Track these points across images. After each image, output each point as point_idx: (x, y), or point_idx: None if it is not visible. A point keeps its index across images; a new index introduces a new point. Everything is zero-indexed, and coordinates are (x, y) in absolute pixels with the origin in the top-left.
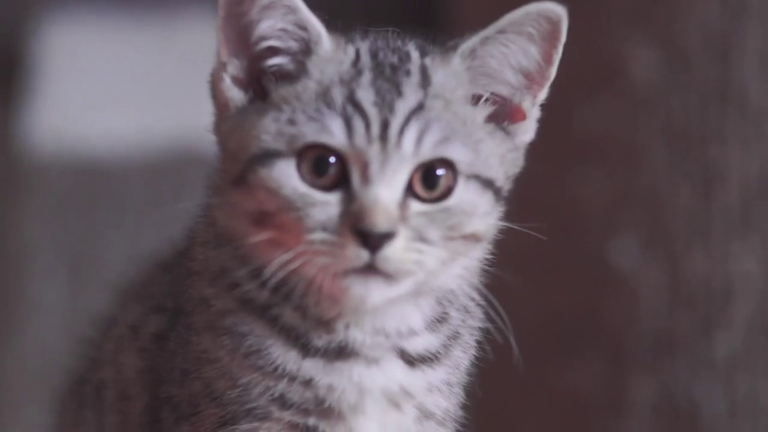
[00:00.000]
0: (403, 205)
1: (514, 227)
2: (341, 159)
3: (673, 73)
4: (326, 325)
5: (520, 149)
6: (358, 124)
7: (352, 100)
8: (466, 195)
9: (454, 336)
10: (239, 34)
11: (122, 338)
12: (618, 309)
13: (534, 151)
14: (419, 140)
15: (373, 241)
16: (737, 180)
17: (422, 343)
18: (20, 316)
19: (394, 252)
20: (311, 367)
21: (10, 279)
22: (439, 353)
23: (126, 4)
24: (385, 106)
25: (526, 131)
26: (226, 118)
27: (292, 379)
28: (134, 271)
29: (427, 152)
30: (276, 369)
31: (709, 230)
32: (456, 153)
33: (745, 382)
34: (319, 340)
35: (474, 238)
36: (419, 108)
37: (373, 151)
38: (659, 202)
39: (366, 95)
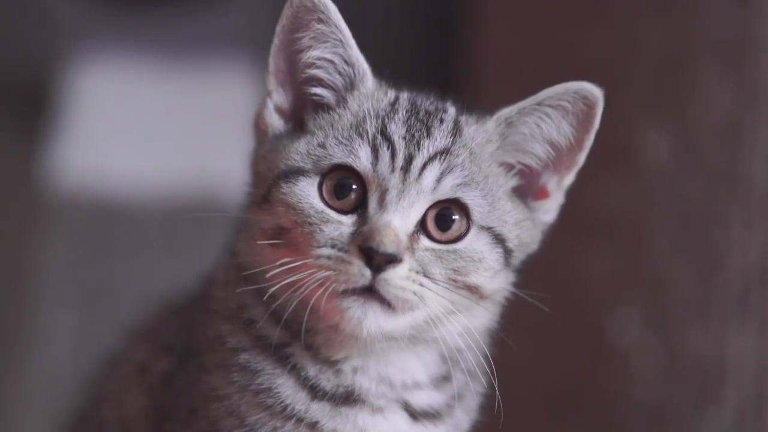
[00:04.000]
0: (413, 238)
1: (520, 294)
2: (362, 185)
3: (683, 158)
4: (334, 366)
5: (537, 226)
6: (385, 154)
7: (383, 132)
8: (476, 243)
9: (458, 397)
10: (289, 64)
11: (128, 377)
12: (614, 382)
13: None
14: (439, 179)
15: (378, 260)
16: (738, 264)
17: (426, 398)
18: (30, 348)
19: (396, 277)
20: (318, 410)
21: (23, 311)
22: (442, 411)
23: (156, 50)
24: (413, 143)
25: (547, 211)
26: (262, 143)
27: (300, 420)
28: (143, 311)
29: (445, 191)
30: (285, 409)
31: (708, 311)
32: (472, 200)
33: None
34: (328, 383)
35: (478, 292)
36: (445, 152)
37: (394, 180)
38: (661, 280)
39: (397, 129)
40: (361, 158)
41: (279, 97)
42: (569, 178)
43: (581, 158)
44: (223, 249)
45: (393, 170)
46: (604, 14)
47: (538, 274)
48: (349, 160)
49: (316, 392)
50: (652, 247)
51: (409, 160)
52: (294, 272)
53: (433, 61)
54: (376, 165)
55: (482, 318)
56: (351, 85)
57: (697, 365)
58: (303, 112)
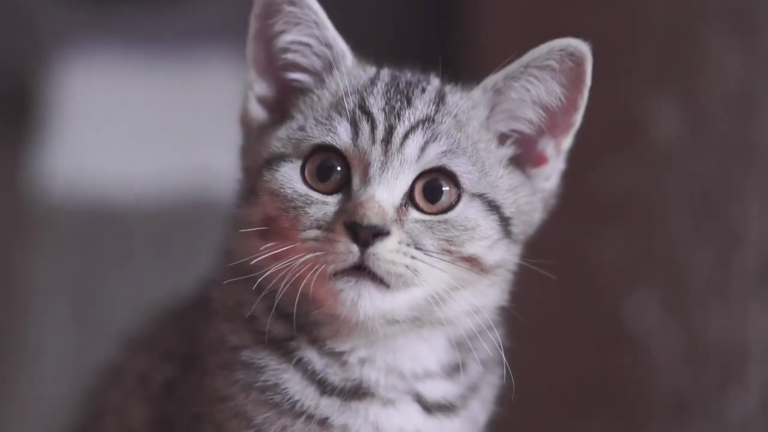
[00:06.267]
0: (401, 210)
1: (527, 265)
2: (346, 165)
3: (694, 131)
4: (340, 358)
5: (537, 193)
6: (364, 127)
7: (362, 107)
8: (467, 211)
9: (473, 388)
10: (267, 52)
11: (129, 388)
12: (634, 369)
13: (552, 210)
14: (423, 148)
15: (363, 234)
16: (757, 241)
17: (439, 389)
18: (25, 361)
19: (385, 251)
20: (328, 406)
21: (15, 322)
22: (457, 403)
23: (141, 46)
24: (393, 114)
25: (547, 177)
26: (249, 138)
27: (310, 417)
28: (140, 319)
29: (431, 160)
30: (294, 405)
31: (728, 291)
32: (460, 166)
33: None
34: (335, 377)
35: (478, 264)
36: (427, 120)
37: (375, 153)
38: (678, 262)
39: (375, 102)
40: (340, 135)
41: (260, 87)
42: (567, 142)
43: (577, 119)
44: (218, 250)
45: (374, 143)
46: None
47: (550, 262)
48: (328, 138)
49: (325, 387)
50: (666, 227)
51: (389, 131)
52: (281, 259)
53: (432, 42)
54: (356, 140)
55: (489, 295)
56: (330, 66)
57: (719, 348)
58: (287, 101)
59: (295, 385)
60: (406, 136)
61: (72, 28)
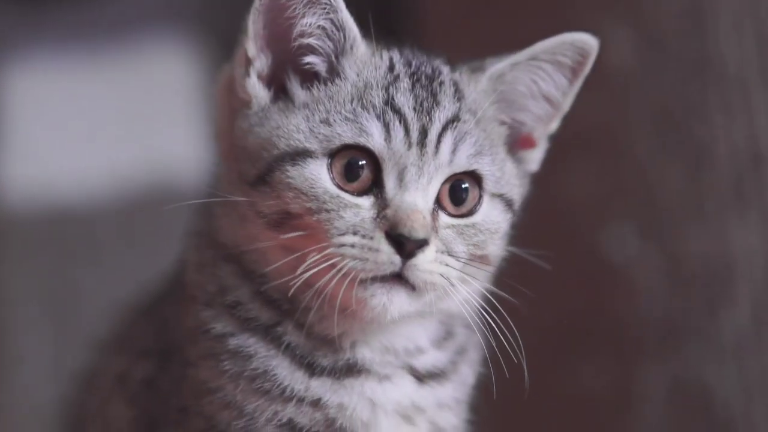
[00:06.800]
0: (433, 215)
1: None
2: (374, 162)
3: (649, 54)
4: (331, 343)
5: (526, 177)
6: (397, 128)
7: (392, 105)
8: (491, 213)
9: (461, 351)
10: (275, 29)
11: (107, 390)
12: (620, 301)
13: None
14: (454, 151)
15: (410, 247)
16: (726, 154)
17: (430, 359)
18: (5, 372)
19: (425, 262)
20: (319, 387)
21: None
22: (447, 369)
23: (84, 42)
24: (424, 113)
25: (533, 160)
26: (245, 116)
27: (301, 400)
28: (111, 321)
29: (462, 163)
30: (283, 391)
31: (703, 209)
32: (486, 168)
33: (756, 360)
34: (325, 359)
35: (486, 261)
36: (455, 119)
37: (412, 157)
38: (649, 187)
39: (405, 100)
40: (374, 136)
41: (260, 63)
42: (555, 125)
43: (568, 104)
44: (187, 232)
45: (409, 146)
46: None
47: (545, 252)
48: (362, 140)
49: (313, 369)
50: (633, 153)
51: (423, 133)
52: (317, 263)
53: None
54: (390, 142)
55: (483, 283)
56: (341, 50)
57: (703, 268)
58: (282, 77)
59: (283, 371)
60: (439, 139)
61: (8, 31)
